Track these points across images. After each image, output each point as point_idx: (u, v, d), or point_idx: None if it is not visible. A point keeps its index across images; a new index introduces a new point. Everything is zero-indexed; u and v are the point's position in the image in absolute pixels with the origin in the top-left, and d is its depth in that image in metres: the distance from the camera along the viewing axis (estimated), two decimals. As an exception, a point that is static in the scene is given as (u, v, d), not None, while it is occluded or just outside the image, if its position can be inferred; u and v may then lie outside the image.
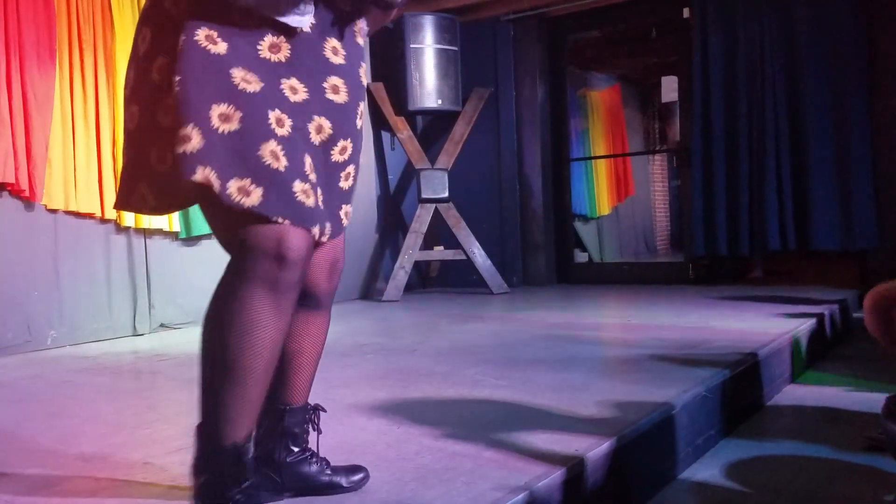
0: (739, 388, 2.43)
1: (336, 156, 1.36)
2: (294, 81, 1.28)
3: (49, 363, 3.17)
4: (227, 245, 1.28)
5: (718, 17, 4.85)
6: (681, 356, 2.66)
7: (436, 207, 5.16)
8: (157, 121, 1.24)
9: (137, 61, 1.30)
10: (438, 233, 5.44)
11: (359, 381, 2.53)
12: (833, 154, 4.55)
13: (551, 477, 1.51)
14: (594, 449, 1.66)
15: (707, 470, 2.01)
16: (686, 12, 5.07)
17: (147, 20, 1.30)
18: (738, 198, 4.80)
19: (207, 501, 1.26)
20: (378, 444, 1.79)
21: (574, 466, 1.57)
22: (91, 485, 1.59)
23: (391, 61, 5.25)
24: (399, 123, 5.29)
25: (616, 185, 7.77)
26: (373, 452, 1.72)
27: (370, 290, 5.26)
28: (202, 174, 1.18)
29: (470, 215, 5.27)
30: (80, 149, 3.65)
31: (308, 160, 1.28)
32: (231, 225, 1.23)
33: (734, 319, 3.48)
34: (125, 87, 1.33)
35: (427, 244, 5.30)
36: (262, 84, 1.23)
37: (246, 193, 1.19)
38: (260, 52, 1.25)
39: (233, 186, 1.19)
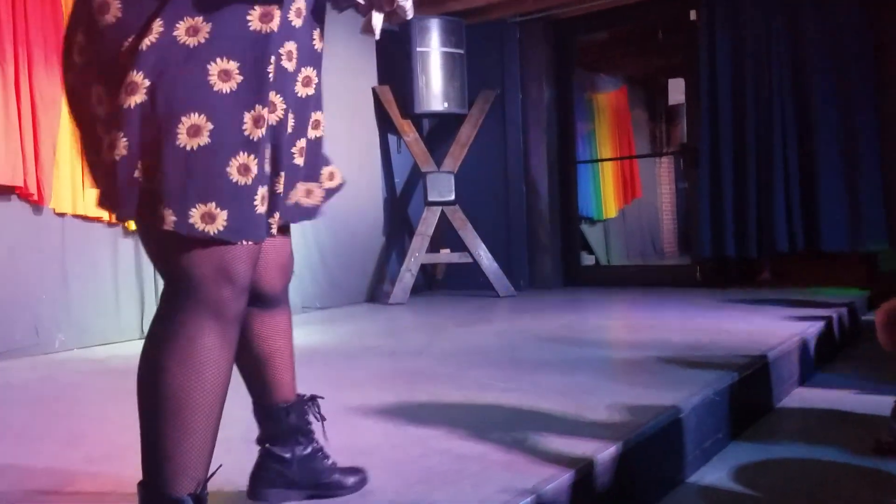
0: (748, 390, 2.42)
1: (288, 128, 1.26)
2: (285, 49, 1.17)
3: (57, 365, 3.18)
4: (165, 270, 1.15)
5: (725, 19, 4.84)
6: (689, 359, 2.65)
7: (442, 210, 5.15)
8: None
9: (101, 31, 1.11)
10: (445, 235, 5.44)
11: (365, 383, 2.53)
12: (841, 155, 4.53)
13: (558, 480, 1.50)
14: (601, 452, 1.65)
15: (715, 473, 2.00)
16: (693, 14, 5.06)
17: None
18: (746, 199, 4.78)
19: None
20: (384, 445, 1.79)
21: (581, 470, 1.57)
22: (97, 486, 1.60)
23: (397, 64, 5.25)
24: (405, 126, 5.29)
25: (623, 187, 7.75)
26: (379, 454, 1.71)
27: (376, 293, 5.25)
28: (156, 216, 1.08)
29: (476, 218, 5.26)
30: (88, 152, 3.66)
31: (268, 151, 1.18)
32: (172, 248, 1.11)
33: (742, 322, 3.46)
34: (76, 54, 1.14)
35: (433, 247, 5.30)
36: (242, 77, 1.11)
37: (210, 219, 1.08)
38: (250, 25, 1.12)
39: (196, 214, 1.08)
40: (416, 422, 1.97)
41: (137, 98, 1.07)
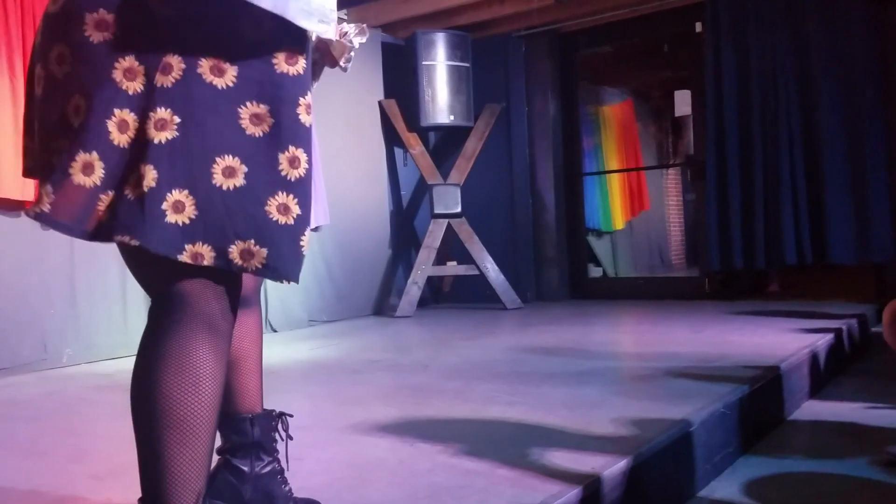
0: (758, 404, 2.40)
1: None
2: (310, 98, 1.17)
3: (64, 381, 3.18)
4: (155, 288, 1.15)
5: (730, 31, 4.84)
6: (698, 372, 2.63)
7: (448, 222, 5.16)
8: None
9: (93, 47, 1.06)
10: (451, 248, 5.44)
11: (371, 398, 2.52)
12: (848, 166, 4.51)
13: (567, 496, 1.48)
14: (610, 467, 1.64)
15: (725, 488, 1.98)
16: (698, 26, 5.07)
17: None
18: (754, 211, 4.76)
19: None
20: (390, 460, 1.78)
21: (590, 485, 1.55)
22: (104, 503, 1.59)
23: (403, 78, 5.28)
24: (411, 139, 5.31)
25: (630, 199, 7.74)
26: (385, 469, 1.70)
27: (383, 306, 5.25)
28: (189, 252, 1.06)
29: (482, 230, 5.26)
30: (96, 167, 3.67)
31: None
32: (164, 268, 1.10)
33: (751, 334, 3.44)
34: (54, 63, 1.09)
35: (440, 259, 5.30)
36: (273, 119, 1.09)
37: (249, 255, 1.08)
38: (276, 67, 1.10)
39: (235, 251, 1.08)
40: (423, 436, 1.96)
41: (168, 134, 1.05)
